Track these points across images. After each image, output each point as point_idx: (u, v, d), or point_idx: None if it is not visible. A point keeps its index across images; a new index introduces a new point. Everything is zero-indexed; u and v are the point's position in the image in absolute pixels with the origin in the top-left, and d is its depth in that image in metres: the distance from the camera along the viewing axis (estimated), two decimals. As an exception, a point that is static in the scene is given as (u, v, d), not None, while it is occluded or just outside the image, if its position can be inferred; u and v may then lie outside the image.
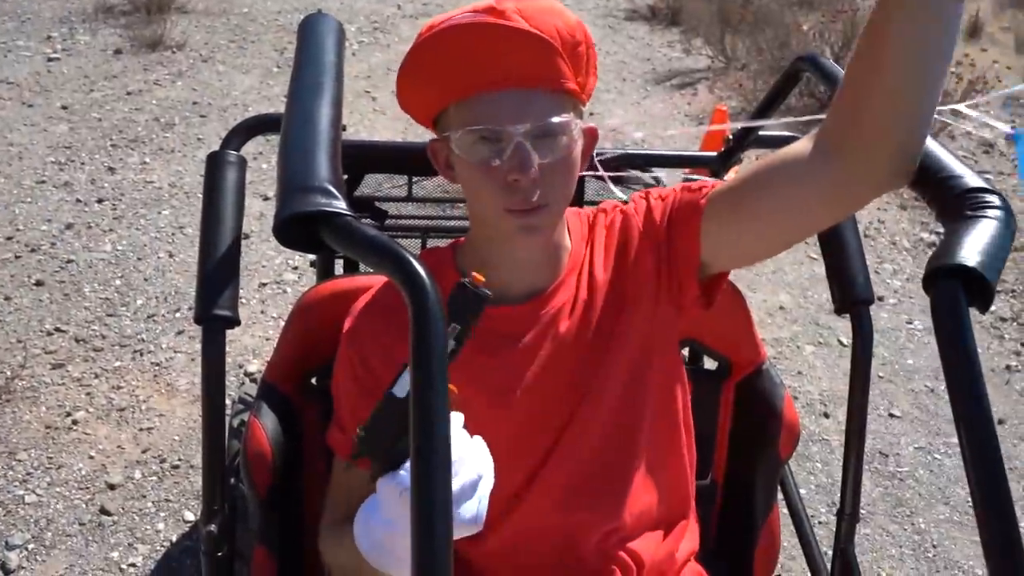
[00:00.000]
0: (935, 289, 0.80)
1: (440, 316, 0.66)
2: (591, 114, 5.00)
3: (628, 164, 1.52)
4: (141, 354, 2.61)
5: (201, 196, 1.18)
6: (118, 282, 2.97)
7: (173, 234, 3.29)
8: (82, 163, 3.85)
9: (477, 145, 0.92)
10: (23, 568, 1.87)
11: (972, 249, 0.80)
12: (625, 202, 1.12)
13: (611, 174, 1.27)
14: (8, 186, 3.57)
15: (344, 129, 1.35)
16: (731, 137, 1.45)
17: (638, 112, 5.18)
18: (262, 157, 4.05)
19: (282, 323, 1.42)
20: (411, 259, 0.68)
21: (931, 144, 0.95)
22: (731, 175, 1.51)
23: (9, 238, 3.17)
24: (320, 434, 1.30)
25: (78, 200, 3.52)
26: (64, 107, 4.46)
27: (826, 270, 1.36)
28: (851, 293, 1.34)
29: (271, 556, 1.24)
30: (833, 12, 5.67)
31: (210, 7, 6.53)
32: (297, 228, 0.72)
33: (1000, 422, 2.68)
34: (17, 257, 3.06)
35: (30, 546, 1.93)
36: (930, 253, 3.45)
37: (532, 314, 1.03)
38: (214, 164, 1.20)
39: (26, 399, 2.37)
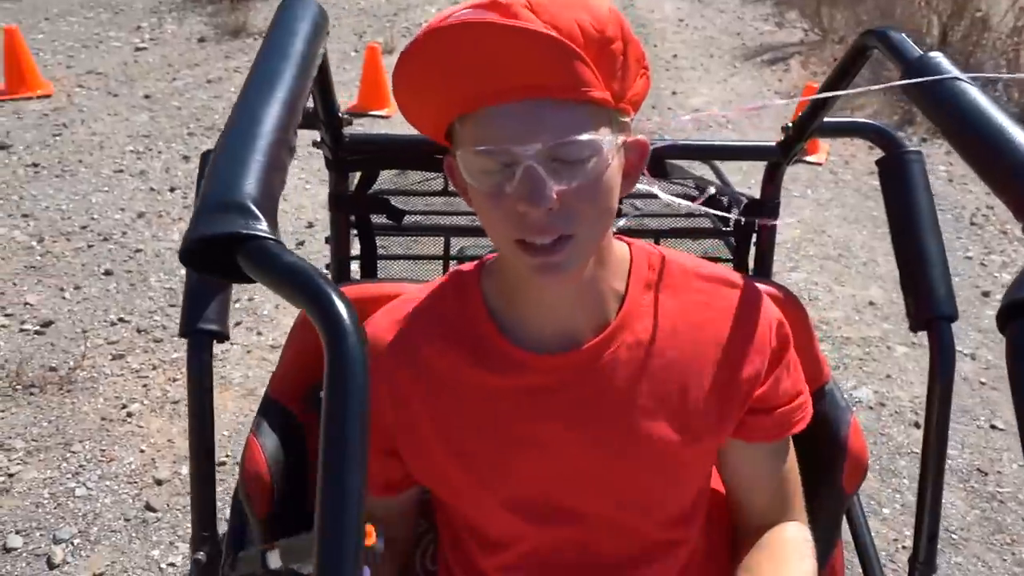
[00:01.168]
0: (1012, 327, 0.62)
1: (363, 369, 0.54)
2: (673, 93, 4.77)
3: (678, 156, 1.36)
4: (199, 346, 2.60)
5: None
6: (183, 271, 2.98)
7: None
8: (159, 152, 3.91)
9: (484, 169, 0.75)
10: (67, 563, 1.87)
11: None
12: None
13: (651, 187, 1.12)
14: (88, 175, 3.65)
15: (349, 123, 1.25)
16: (791, 125, 1.27)
17: (724, 90, 4.92)
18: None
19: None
20: (335, 298, 0.56)
21: (1019, 135, 0.77)
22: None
23: (84, 227, 3.24)
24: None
25: (151, 189, 3.56)
26: (147, 96, 4.55)
27: (900, 279, 1.17)
28: (930, 307, 1.13)
29: (275, 580, 1.16)
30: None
31: (293, -7, 6.57)
32: (210, 252, 0.61)
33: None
34: (90, 246, 3.11)
35: (76, 541, 1.93)
36: (1048, 241, 3.09)
37: (562, 368, 0.88)
38: (205, 163, 1.11)
39: (85, 390, 2.40)
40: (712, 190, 1.39)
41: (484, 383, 0.88)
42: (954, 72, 0.88)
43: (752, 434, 0.95)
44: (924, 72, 0.89)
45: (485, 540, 0.97)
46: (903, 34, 0.97)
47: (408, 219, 1.36)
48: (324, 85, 1.13)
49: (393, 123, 4.35)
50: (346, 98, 4.58)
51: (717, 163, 1.57)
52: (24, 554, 1.89)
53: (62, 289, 2.85)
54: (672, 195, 1.30)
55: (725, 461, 0.99)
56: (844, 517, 1.31)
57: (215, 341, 1.06)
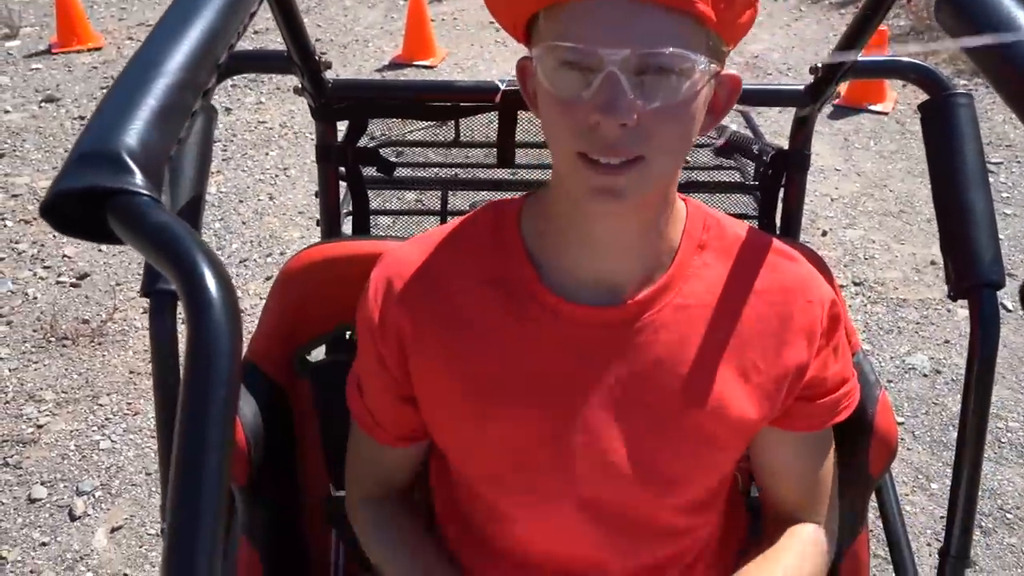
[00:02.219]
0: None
1: (228, 352, 0.47)
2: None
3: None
4: (229, 300, 2.59)
5: (243, 169, 1.02)
6: (217, 225, 2.97)
7: (276, 176, 3.26)
8: (202, 104, 3.90)
9: (561, 70, 0.67)
10: (88, 515, 1.89)
11: None
12: None
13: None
14: (131, 128, 3.67)
15: (328, 66, 1.16)
16: (819, 65, 1.13)
17: (787, 36, 4.65)
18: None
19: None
20: (203, 263, 0.48)
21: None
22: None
23: (124, 180, 3.25)
24: (314, 415, 1.16)
25: (193, 141, 3.55)
26: (193, 48, 4.54)
27: (940, 239, 1.03)
28: (973, 273, 0.99)
29: (254, 547, 1.11)
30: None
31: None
32: (75, 207, 0.54)
33: None
34: (128, 199, 3.13)
35: (98, 493, 1.94)
36: None
37: (605, 322, 0.80)
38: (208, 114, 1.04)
39: (116, 343, 2.41)
40: (735, 133, 1.26)
41: (512, 329, 0.80)
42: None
43: (794, 423, 0.86)
44: (976, 8, 0.76)
45: (490, 510, 0.89)
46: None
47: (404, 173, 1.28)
48: (291, 23, 1.04)
49: (437, 73, 4.25)
50: (392, 48, 4.49)
51: (750, 112, 1.44)
52: (47, 505, 1.91)
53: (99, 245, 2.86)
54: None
55: (758, 448, 0.90)
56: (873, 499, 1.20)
57: (177, 302, 1.00)
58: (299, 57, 1.08)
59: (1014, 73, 0.68)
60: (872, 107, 3.84)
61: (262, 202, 3.10)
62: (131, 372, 2.30)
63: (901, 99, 3.96)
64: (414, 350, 0.83)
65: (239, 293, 2.61)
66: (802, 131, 1.23)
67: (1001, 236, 2.63)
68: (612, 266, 0.79)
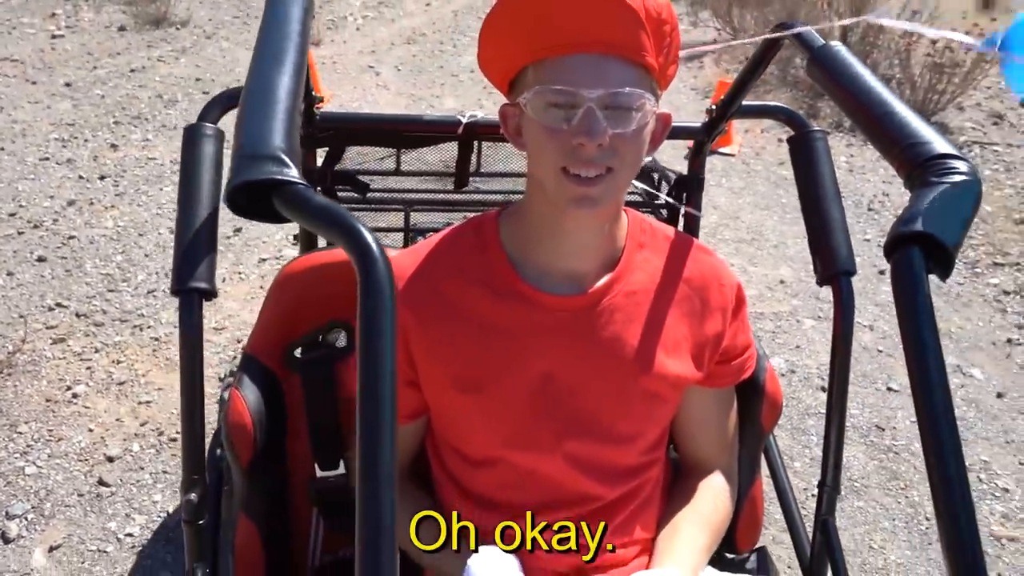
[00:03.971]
0: (896, 255, 0.79)
1: (390, 291, 0.66)
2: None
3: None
4: (141, 329, 2.63)
5: None
6: (119, 258, 2.99)
7: (174, 210, 3.30)
8: (85, 140, 3.87)
9: (549, 108, 0.90)
10: (23, 536, 1.91)
11: (934, 216, 0.79)
12: None
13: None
14: (12, 163, 3.59)
15: (322, 101, 1.36)
16: (714, 107, 1.43)
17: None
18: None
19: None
20: (363, 230, 0.68)
21: (900, 108, 0.95)
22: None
23: (12, 214, 3.20)
24: (302, 405, 1.32)
25: (80, 177, 3.53)
26: (67, 84, 4.48)
27: (809, 242, 1.35)
28: (833, 264, 1.31)
29: (253, 524, 1.26)
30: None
31: (214, -17, 6.50)
32: (249, 196, 0.72)
33: (1000, 395, 2.67)
34: (20, 233, 3.08)
35: (30, 516, 1.96)
36: (934, 226, 3.41)
37: (572, 308, 1.02)
38: (191, 137, 1.19)
39: (27, 373, 2.40)
40: (648, 161, 1.55)
41: (497, 317, 1.02)
42: (851, 59, 1.06)
43: (714, 381, 1.12)
44: (827, 59, 1.07)
45: (471, 461, 1.09)
46: (809, 27, 1.15)
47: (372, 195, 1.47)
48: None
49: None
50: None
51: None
52: (-23, 530, 1.92)
53: (-6, 276, 2.83)
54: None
55: (683, 407, 1.15)
56: (764, 457, 1.48)
57: (204, 299, 1.15)
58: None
59: (859, 112, 0.98)
60: (721, 150, 4.34)
61: (163, 235, 3.15)
62: (48, 400, 2.31)
63: (745, 143, 4.50)
64: (416, 341, 1.04)
65: (150, 323, 2.66)
66: (697, 159, 1.54)
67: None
68: (577, 263, 1.03)
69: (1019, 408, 2.63)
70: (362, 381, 0.64)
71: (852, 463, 2.35)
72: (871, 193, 4.01)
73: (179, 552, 1.89)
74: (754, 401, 1.34)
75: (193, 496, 1.16)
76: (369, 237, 0.68)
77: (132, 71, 4.74)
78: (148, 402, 2.33)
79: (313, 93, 1.29)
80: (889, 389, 2.67)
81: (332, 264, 1.29)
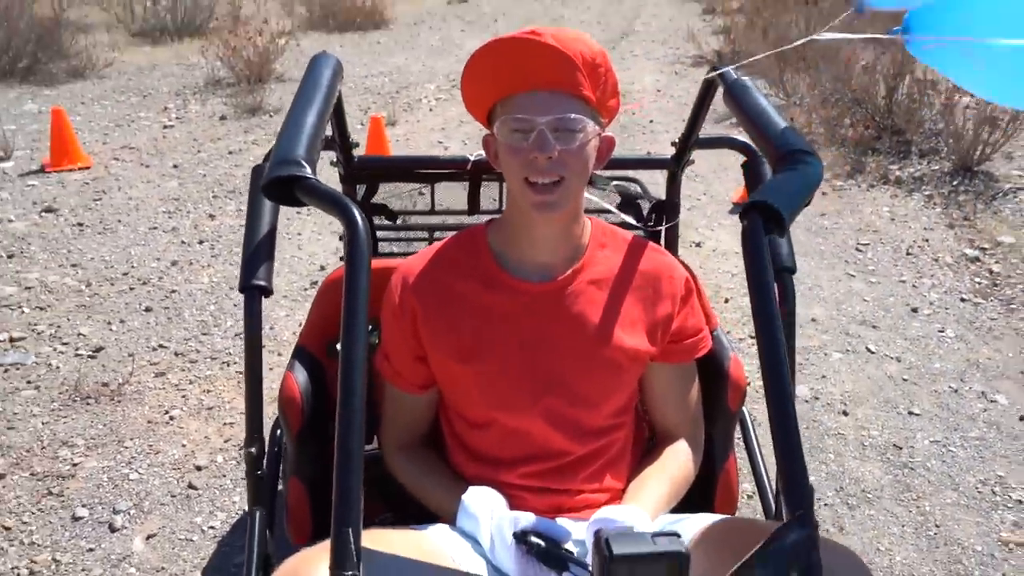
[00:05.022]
0: (745, 220, 1.06)
1: (365, 248, 0.97)
2: (648, 153, 5.29)
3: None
4: (228, 365, 3.03)
5: (285, 234, 1.53)
6: (212, 307, 3.43)
7: (261, 267, 3.75)
8: (187, 212, 4.41)
9: (513, 133, 1.21)
10: (126, 527, 2.26)
11: (773, 191, 1.06)
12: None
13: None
14: (126, 232, 4.15)
15: (356, 145, 1.72)
16: (676, 143, 1.73)
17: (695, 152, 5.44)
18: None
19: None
20: (351, 205, 1.00)
21: (778, 121, 1.23)
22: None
23: (125, 274, 3.71)
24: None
25: (183, 242, 4.05)
26: (175, 166, 5.09)
27: None
28: (776, 262, 1.56)
29: (302, 484, 1.56)
30: (884, 44, 5.80)
31: (304, 75, 7.21)
32: (280, 189, 1.06)
33: (1023, 419, 2.77)
34: (131, 288, 3.58)
35: (131, 511, 2.32)
36: (971, 269, 3.55)
37: (544, 293, 1.33)
38: (256, 175, 1.56)
39: (133, 400, 2.82)
40: (632, 190, 1.85)
41: (485, 302, 1.33)
42: (752, 89, 1.35)
43: (669, 357, 1.40)
44: (737, 90, 1.36)
45: (471, 423, 1.38)
46: (730, 68, 1.45)
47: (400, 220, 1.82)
48: (339, 119, 1.60)
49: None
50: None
51: (639, 179, 2.03)
52: (90, 522, 2.28)
53: (109, 323, 3.30)
54: (598, 199, 1.76)
55: (647, 382, 1.42)
56: (739, 430, 1.71)
57: (263, 295, 1.49)
58: (340, 141, 1.63)
59: (751, 125, 1.26)
60: (765, 204, 4.57)
61: (250, 288, 3.59)
62: (149, 422, 2.71)
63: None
64: (423, 323, 1.35)
65: (236, 360, 3.06)
66: (672, 186, 1.83)
67: (867, 298, 3.31)
68: (546, 257, 1.34)
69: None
70: (344, 311, 0.94)
71: (867, 477, 2.50)
72: (911, 239, 4.15)
73: (252, 542, 2.20)
74: (719, 385, 1.59)
75: (253, 450, 1.48)
76: (354, 210, 1.00)
77: (230, 153, 5.34)
78: (231, 423, 2.70)
79: (351, 140, 1.66)
80: (910, 413, 2.80)
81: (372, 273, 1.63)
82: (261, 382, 1.48)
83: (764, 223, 1.04)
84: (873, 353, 3.16)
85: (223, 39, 6.98)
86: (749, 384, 1.82)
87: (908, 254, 4.00)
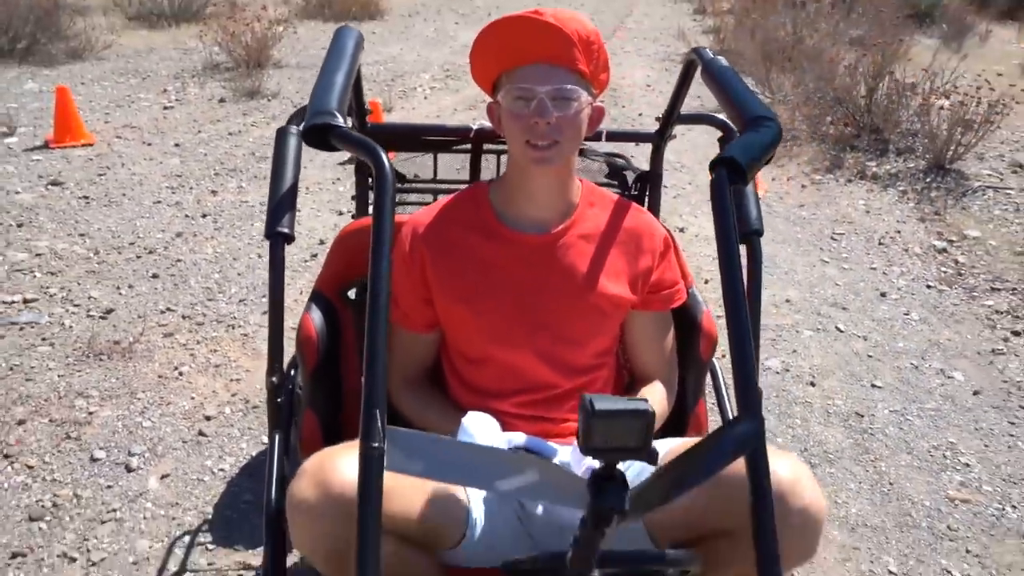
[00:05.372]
0: (713, 172, 1.25)
1: (390, 180, 1.15)
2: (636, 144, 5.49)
3: (592, 139, 2.00)
4: (233, 327, 3.19)
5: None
6: (217, 276, 3.59)
7: (262, 241, 3.91)
8: (190, 188, 4.57)
9: (516, 100, 1.39)
10: (141, 468, 2.42)
11: (737, 148, 1.24)
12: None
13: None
14: (131, 206, 4.29)
15: (370, 112, 1.89)
16: (659, 118, 1.92)
17: (683, 142, 5.64)
18: (340, 182, 4.68)
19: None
20: (377, 147, 1.18)
21: (747, 94, 1.42)
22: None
23: (131, 243, 3.86)
24: (353, 331, 1.81)
25: (186, 215, 4.20)
26: (176, 145, 5.24)
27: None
28: (746, 226, 1.75)
29: (316, 416, 1.73)
30: (866, 47, 6.03)
31: (302, 61, 7.36)
32: (315, 134, 1.23)
33: (976, 393, 2.98)
34: (138, 257, 3.73)
35: (146, 454, 2.48)
36: (939, 259, 3.76)
37: (538, 244, 1.51)
38: (281, 134, 1.73)
39: (144, 357, 2.97)
40: (619, 162, 2.03)
41: (486, 251, 1.51)
42: (726, 66, 1.54)
43: (648, 305, 1.58)
44: (712, 66, 1.55)
45: (468, 359, 1.56)
46: (707, 48, 1.63)
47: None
48: (358, 88, 1.77)
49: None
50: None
51: (624, 155, 2.22)
52: (107, 463, 2.45)
53: (118, 287, 3.45)
54: (590, 168, 1.94)
55: (628, 328, 1.61)
56: (709, 378, 1.89)
57: (286, 242, 1.66)
58: (357, 108, 1.81)
59: (724, 98, 1.45)
60: (746, 195, 4.77)
61: (252, 259, 3.75)
62: (159, 377, 2.87)
63: (770, 188, 4.92)
64: (430, 268, 1.53)
65: (241, 323, 3.22)
66: (656, 157, 2.01)
67: (839, 282, 3.51)
68: (541, 212, 1.52)
69: (992, 403, 2.94)
70: (374, 235, 1.12)
71: (829, 440, 2.70)
72: (883, 230, 4.36)
73: (258, 484, 2.38)
74: (693, 335, 1.77)
75: (274, 379, 1.65)
76: (380, 151, 1.18)
77: (230, 134, 5.49)
78: (237, 379, 2.87)
79: (366, 107, 1.83)
80: (873, 386, 3.01)
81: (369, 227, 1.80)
82: (283, 319, 1.65)
83: (729, 174, 1.23)
84: (842, 332, 3.37)
85: (221, 25, 7.12)
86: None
87: (880, 244, 4.21)
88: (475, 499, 1.43)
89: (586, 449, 0.88)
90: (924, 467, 2.59)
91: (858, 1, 9.53)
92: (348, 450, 1.25)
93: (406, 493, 1.28)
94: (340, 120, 1.24)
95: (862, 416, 2.83)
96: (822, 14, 7.94)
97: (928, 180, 4.94)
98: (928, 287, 3.78)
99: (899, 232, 4.34)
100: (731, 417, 1.94)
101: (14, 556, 2.09)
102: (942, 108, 5.05)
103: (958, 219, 4.48)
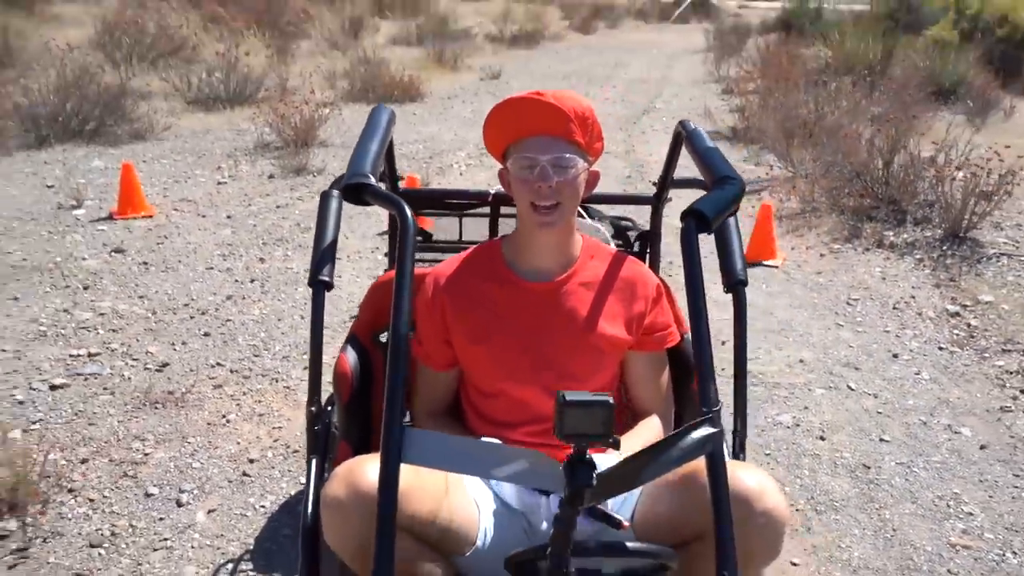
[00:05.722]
0: (683, 222, 1.47)
1: (412, 229, 1.39)
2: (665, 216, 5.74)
3: (598, 202, 2.25)
4: (276, 380, 3.44)
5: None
6: (263, 335, 3.87)
7: (305, 304, 4.19)
8: (240, 255, 4.90)
9: (522, 168, 1.65)
10: (190, 503, 2.64)
11: (704, 202, 1.47)
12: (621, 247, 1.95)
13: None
14: (186, 271, 4.63)
15: (401, 178, 2.16)
16: (655, 183, 2.16)
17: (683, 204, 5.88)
18: (378, 250, 4.98)
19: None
20: (402, 202, 1.43)
21: (718, 158, 1.65)
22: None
23: (186, 305, 4.17)
24: (383, 371, 2.03)
25: (236, 280, 4.52)
26: (228, 216, 5.62)
27: (719, 260, 1.99)
28: (732, 277, 1.95)
29: (349, 445, 1.95)
30: (882, 122, 6.27)
31: (346, 141, 7.81)
32: (352, 192, 1.49)
33: (983, 447, 3.09)
34: (191, 317, 4.03)
35: (195, 491, 2.71)
36: (951, 323, 3.90)
37: (543, 291, 1.74)
38: (324, 197, 2.00)
39: (194, 406, 3.23)
40: (623, 223, 2.27)
41: (498, 296, 1.75)
42: (703, 134, 1.78)
43: (643, 346, 1.79)
44: (691, 135, 1.79)
45: (482, 393, 1.78)
46: (689, 122, 1.88)
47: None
48: (390, 156, 2.05)
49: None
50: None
51: (631, 219, 2.46)
52: (160, 498, 2.67)
53: (173, 344, 3.74)
54: (594, 228, 2.19)
55: (626, 367, 1.82)
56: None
57: (326, 289, 1.90)
58: (388, 172, 2.08)
59: (698, 159, 1.68)
60: (765, 262, 4.96)
61: (295, 320, 4.03)
62: (208, 423, 3.11)
63: (789, 258, 5.10)
64: (450, 312, 1.76)
65: (283, 377, 3.47)
66: (655, 218, 2.25)
67: (853, 344, 3.68)
68: (546, 263, 1.75)
69: (998, 457, 3.04)
70: (397, 270, 1.36)
71: (836, 489, 2.82)
72: (898, 296, 4.51)
73: (296, 520, 2.57)
74: (689, 376, 1.96)
75: (313, 408, 1.88)
76: (404, 205, 1.43)
77: (277, 207, 5.86)
78: (279, 427, 3.10)
79: (398, 175, 2.10)
80: (881, 440, 3.14)
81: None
82: (321, 357, 1.88)
83: (696, 224, 1.45)
84: (853, 390, 3.51)
85: (272, 107, 7.62)
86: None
87: (895, 308, 4.36)
88: (485, 512, 1.62)
89: (560, 434, 1.09)
90: (928, 515, 2.70)
91: (881, 79, 9.83)
92: (374, 458, 1.46)
93: (424, 499, 1.48)
94: (373, 180, 1.50)
95: (869, 468, 2.96)
96: (843, 92, 8.23)
97: (944, 248, 5.09)
98: (940, 348, 3.90)
99: (914, 297, 4.49)
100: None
101: (76, 577, 2.31)
102: (953, 179, 5.24)
103: (972, 285, 4.62)
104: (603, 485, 1.14)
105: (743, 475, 1.42)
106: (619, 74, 14.08)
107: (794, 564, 2.45)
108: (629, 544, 1.31)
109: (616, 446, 1.12)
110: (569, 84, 12.71)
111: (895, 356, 3.82)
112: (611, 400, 1.09)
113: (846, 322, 4.19)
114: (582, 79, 13.08)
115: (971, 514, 2.71)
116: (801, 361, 3.76)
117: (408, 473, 1.27)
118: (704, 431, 1.27)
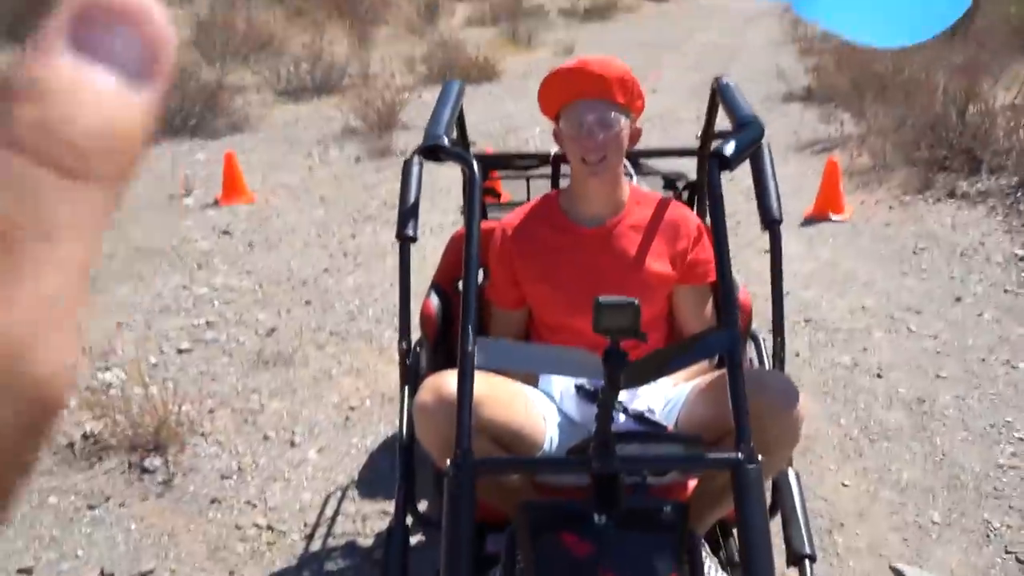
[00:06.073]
0: (707, 164, 1.72)
1: (478, 180, 1.69)
2: (730, 180, 5.87)
3: (644, 156, 2.51)
4: (371, 341, 3.83)
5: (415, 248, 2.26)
6: (357, 302, 4.26)
7: (393, 274, 4.56)
8: (333, 233, 5.32)
9: (572, 127, 1.93)
10: (302, 444, 3.04)
11: (727, 144, 1.71)
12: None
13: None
14: (286, 249, 5.08)
15: (474, 144, 2.46)
16: (698, 136, 2.39)
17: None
18: (456, 223, 5.32)
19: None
20: (470, 157, 1.73)
21: (740, 102, 1.88)
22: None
23: (288, 278, 4.61)
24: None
25: (331, 255, 4.94)
26: (321, 198, 6.06)
27: (756, 201, 2.21)
28: (768, 215, 2.17)
29: (435, 379, 2.26)
30: (957, 72, 6.21)
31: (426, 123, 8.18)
32: (428, 151, 1.79)
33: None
34: (293, 288, 4.46)
35: (305, 435, 3.10)
36: (1020, 266, 4.00)
37: (596, 234, 2.02)
38: (407, 163, 2.32)
39: (301, 364, 3.64)
40: (672, 173, 2.52)
41: (556, 240, 2.03)
42: (737, 95, 2.01)
43: (687, 279, 2.04)
44: (723, 88, 2.02)
45: (548, 327, 2.07)
46: (723, 76, 2.11)
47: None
48: (461, 124, 2.35)
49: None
50: (468, 193, 5.93)
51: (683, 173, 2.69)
52: (276, 441, 3.08)
53: (279, 312, 4.17)
54: (647, 180, 2.44)
55: (674, 301, 2.07)
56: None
57: (411, 242, 2.21)
58: (461, 139, 2.39)
59: (730, 114, 1.92)
60: (834, 217, 5.06)
61: (385, 288, 4.41)
62: (314, 378, 3.51)
63: (857, 211, 5.19)
64: (517, 258, 2.05)
65: (377, 338, 3.85)
66: (701, 169, 2.48)
67: (916, 291, 3.81)
68: (597, 210, 2.03)
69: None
70: (466, 219, 1.66)
71: (890, 421, 3.00)
72: (966, 243, 4.56)
73: (392, 456, 2.94)
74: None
75: (404, 344, 2.20)
76: (471, 160, 1.73)
77: (365, 188, 6.27)
78: (375, 380, 3.48)
79: (469, 141, 2.41)
80: (938, 376, 3.28)
81: (483, 230, 2.34)
82: (409, 302, 2.20)
83: (719, 163, 1.70)
84: (913, 331, 3.64)
85: (356, 94, 8.04)
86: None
87: (962, 255, 4.42)
88: (551, 423, 1.92)
89: (597, 329, 1.37)
90: (978, 441, 2.86)
91: (969, 28, 9.55)
92: (454, 372, 1.78)
93: (497, 407, 1.79)
94: (445, 140, 1.81)
95: (923, 401, 3.12)
96: (923, 44, 8.09)
97: (1018, 194, 5.08)
98: (1005, 292, 3.98)
99: (983, 244, 4.53)
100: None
101: (212, 501, 2.73)
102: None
103: (1046, 229, 4.62)
104: (635, 372, 1.42)
105: (764, 374, 1.67)
106: (695, 39, 14.02)
107: (845, 485, 2.67)
108: (665, 433, 1.58)
109: (644, 339, 1.39)
110: (644, 53, 12.76)
111: (958, 299, 3.91)
112: (637, 303, 1.36)
113: (911, 270, 4.30)
114: (656, 48, 13.11)
115: (1022, 439, 2.85)
116: (863, 308, 3.90)
117: (482, 384, 1.57)
118: (721, 333, 1.53)
